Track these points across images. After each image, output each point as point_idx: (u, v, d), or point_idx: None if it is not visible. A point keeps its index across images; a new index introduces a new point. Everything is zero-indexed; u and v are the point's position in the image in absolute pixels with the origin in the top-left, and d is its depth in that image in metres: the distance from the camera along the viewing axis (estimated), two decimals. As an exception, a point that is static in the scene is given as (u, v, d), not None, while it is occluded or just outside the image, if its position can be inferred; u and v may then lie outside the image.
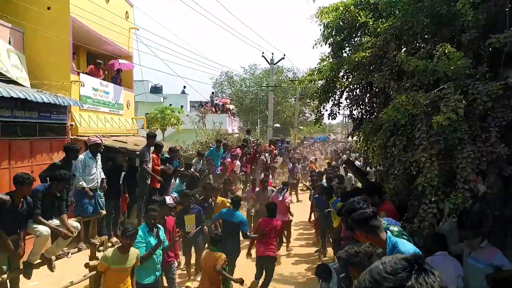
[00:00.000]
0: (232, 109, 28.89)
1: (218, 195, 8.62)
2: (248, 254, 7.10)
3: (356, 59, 6.59)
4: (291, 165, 17.14)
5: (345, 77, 7.82)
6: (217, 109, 25.57)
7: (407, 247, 2.89)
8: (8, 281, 5.27)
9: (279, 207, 8.13)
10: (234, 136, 19.70)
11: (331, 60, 7.91)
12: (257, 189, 10.31)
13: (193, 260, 7.72)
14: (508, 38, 4.17)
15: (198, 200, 7.85)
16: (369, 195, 5.24)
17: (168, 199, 6.81)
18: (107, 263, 4.89)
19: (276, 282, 7.80)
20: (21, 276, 5.55)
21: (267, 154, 16.48)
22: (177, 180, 9.46)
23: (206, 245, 7.76)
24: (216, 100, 29.38)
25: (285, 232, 9.24)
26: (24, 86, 8.86)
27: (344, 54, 7.78)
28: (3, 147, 7.63)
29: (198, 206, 7.56)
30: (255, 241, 7.01)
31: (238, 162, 12.96)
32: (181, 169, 10.00)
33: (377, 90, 6.75)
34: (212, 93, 32.99)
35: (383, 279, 1.08)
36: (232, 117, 27.26)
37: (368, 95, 7.38)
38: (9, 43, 9.18)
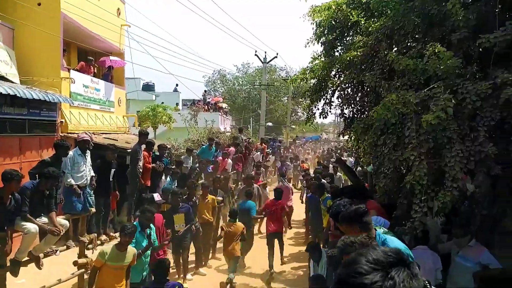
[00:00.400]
0: (225, 107, 28.82)
1: (208, 193, 8.61)
2: (258, 230, 8.91)
3: (348, 58, 6.61)
4: (280, 163, 17.16)
5: (337, 76, 7.84)
6: (209, 108, 25.50)
7: (396, 243, 2.93)
8: (-6, 279, 5.20)
9: (285, 194, 9.70)
10: (226, 135, 19.67)
11: (323, 59, 7.92)
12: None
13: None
14: (497, 38, 4.21)
15: (182, 198, 7.80)
16: (350, 197, 5.28)
17: (156, 196, 6.80)
18: (104, 259, 4.86)
19: (264, 280, 7.81)
20: (8, 274, 5.48)
21: (258, 153, 16.51)
22: (168, 178, 9.42)
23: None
24: (209, 98, 29.30)
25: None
26: (13, 82, 8.76)
27: (336, 53, 7.80)
28: (-9, 144, 7.54)
29: (186, 204, 7.52)
30: (266, 221, 8.54)
31: (229, 161, 12.95)
32: (172, 167, 9.96)
33: (368, 89, 6.77)
34: (205, 91, 32.90)
35: (388, 255, 1.18)
36: (224, 116, 27.21)
37: (359, 94, 7.40)
38: (-2, 39, 9.07)
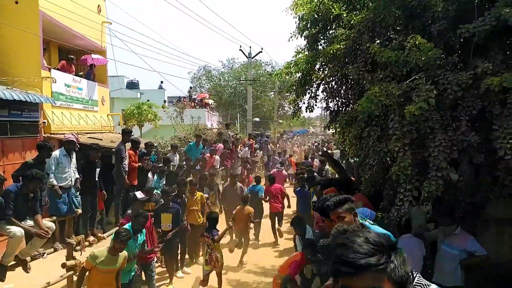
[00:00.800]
0: (211, 103, 28.68)
1: (196, 190, 8.58)
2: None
3: (331, 52, 6.61)
4: (267, 158, 17.21)
5: (321, 69, 7.84)
6: (195, 104, 25.35)
7: (380, 231, 2.98)
8: (-20, 284, 5.12)
9: (279, 178, 11.67)
10: (213, 131, 19.60)
11: (306, 52, 7.92)
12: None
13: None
14: (476, 28, 4.27)
15: (172, 197, 7.75)
16: (338, 189, 5.36)
17: (139, 194, 6.73)
18: (95, 262, 4.82)
19: (256, 275, 7.88)
20: (-6, 278, 5.39)
21: (246, 148, 16.50)
22: (155, 176, 9.35)
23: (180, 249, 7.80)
24: (194, 95, 29.11)
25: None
26: (-8, 83, 8.58)
27: (320, 47, 7.80)
28: (-28, 147, 7.37)
29: (176, 205, 7.46)
30: (269, 203, 10.08)
31: (217, 157, 12.92)
32: (159, 165, 9.89)
33: (352, 82, 6.80)
34: (190, 87, 32.68)
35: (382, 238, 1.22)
36: (211, 112, 27.09)
37: (343, 87, 7.43)
38: (-25, 39, 8.86)
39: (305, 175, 9.72)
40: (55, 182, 6.54)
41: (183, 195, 8.07)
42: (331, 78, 7.41)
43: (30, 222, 5.57)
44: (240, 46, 24.67)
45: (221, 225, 10.08)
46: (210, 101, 28.62)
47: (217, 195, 10.57)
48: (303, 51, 8.08)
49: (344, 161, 9.53)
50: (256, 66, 35.95)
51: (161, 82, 29.37)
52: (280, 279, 5.22)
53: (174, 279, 7.43)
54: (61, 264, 6.10)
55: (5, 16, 9.27)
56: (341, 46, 6.52)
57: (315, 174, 9.89)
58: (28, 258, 5.74)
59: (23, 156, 8.75)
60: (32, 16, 9.75)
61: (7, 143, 8.48)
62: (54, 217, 6.36)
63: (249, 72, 26.70)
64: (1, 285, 5.58)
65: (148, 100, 21.15)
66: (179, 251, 7.82)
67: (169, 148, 13.56)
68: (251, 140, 17.91)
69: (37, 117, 9.48)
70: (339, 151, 13.79)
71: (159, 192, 8.33)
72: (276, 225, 10.03)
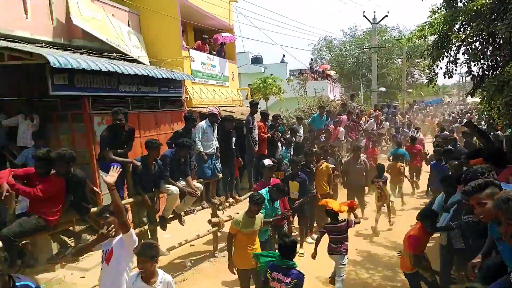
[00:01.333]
0: (333, 75, 28.20)
1: (321, 160, 8.72)
2: None
3: (475, 8, 5.96)
4: (394, 130, 16.33)
5: (462, 29, 7.12)
6: (317, 76, 25.25)
7: None
8: (148, 232, 6.19)
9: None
10: (336, 103, 19.40)
11: (444, 12, 7.25)
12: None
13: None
14: None
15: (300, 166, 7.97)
16: (486, 160, 4.89)
17: (266, 161, 7.09)
18: (238, 226, 5.26)
19: (386, 248, 7.74)
20: (158, 228, 6.44)
21: (372, 120, 15.96)
22: (283, 147, 9.78)
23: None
24: (316, 66, 28.96)
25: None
26: (144, 64, 9.89)
27: (460, 4, 7.07)
28: (133, 119, 8.59)
29: (304, 174, 7.68)
30: (410, 160, 11.86)
31: (342, 129, 12.83)
32: (286, 136, 10.29)
33: (501, 41, 6.05)
34: (311, 59, 32.57)
35: None
36: (333, 83, 26.70)
37: (490, 47, 6.65)
38: (128, 25, 10.25)
39: (442, 148, 9.06)
40: (201, 148, 7.39)
41: (311, 165, 8.30)
42: (474, 39, 6.69)
43: (182, 183, 6.45)
44: (364, 12, 23.46)
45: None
46: (332, 72, 28.15)
47: (338, 167, 10.49)
48: (439, 11, 7.42)
49: (492, 133, 8.55)
50: (381, 32, 33.96)
51: (283, 55, 29.90)
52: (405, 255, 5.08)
53: (304, 244, 7.81)
54: (208, 220, 6.96)
55: (149, 3, 10.47)
56: (487, 1, 5.84)
57: (461, 147, 9.13)
58: (182, 213, 6.72)
59: (172, 127, 10.00)
60: (171, 0, 10.84)
61: (159, 116, 9.79)
62: (201, 180, 7.24)
63: (374, 38, 25.39)
64: (163, 233, 6.65)
65: (271, 74, 21.83)
66: (308, 219, 8.16)
67: (294, 120, 13.92)
68: (378, 111, 17.23)
69: (180, 93, 10.67)
70: (482, 122, 12.44)
71: (286, 161, 8.74)
72: (414, 178, 11.79)
